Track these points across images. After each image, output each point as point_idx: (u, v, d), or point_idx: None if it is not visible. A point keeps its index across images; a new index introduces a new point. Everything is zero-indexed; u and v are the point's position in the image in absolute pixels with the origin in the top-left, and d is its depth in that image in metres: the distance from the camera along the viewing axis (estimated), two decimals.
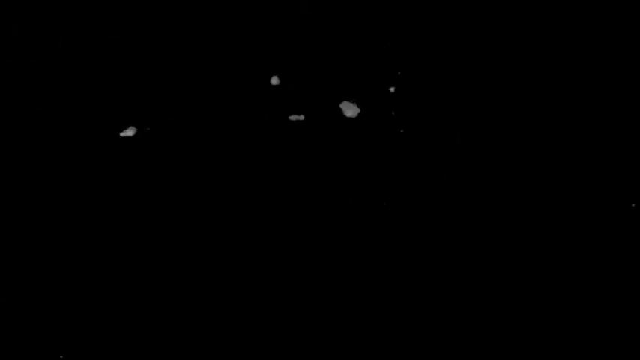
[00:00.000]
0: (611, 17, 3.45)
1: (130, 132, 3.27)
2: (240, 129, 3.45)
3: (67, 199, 3.38)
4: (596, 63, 3.46)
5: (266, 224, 3.39)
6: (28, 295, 3.31)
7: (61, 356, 3.26)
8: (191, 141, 3.43)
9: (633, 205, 3.27)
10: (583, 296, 3.32)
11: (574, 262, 3.34)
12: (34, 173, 3.39)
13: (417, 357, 3.28)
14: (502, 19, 3.47)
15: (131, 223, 3.38)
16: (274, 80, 3.45)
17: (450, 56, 3.47)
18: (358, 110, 3.43)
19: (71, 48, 3.44)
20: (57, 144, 3.40)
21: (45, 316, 3.30)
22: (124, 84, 3.45)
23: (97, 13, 3.45)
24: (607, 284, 3.32)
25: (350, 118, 3.45)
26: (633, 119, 3.41)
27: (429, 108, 3.46)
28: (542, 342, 3.29)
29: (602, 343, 3.27)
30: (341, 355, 3.29)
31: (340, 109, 3.45)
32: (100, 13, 3.46)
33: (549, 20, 3.47)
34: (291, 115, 3.45)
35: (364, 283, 3.34)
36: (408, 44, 3.48)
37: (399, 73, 3.42)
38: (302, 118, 3.44)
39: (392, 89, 3.43)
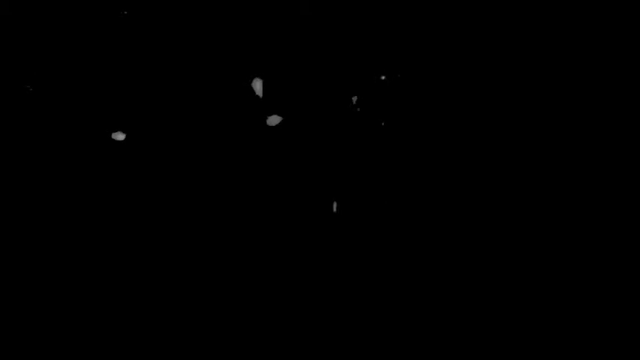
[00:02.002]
0: (607, 17, 3.45)
1: (120, 135, 3.27)
2: (237, 128, 3.45)
3: (64, 199, 3.38)
4: (592, 63, 3.46)
5: (260, 223, 3.39)
6: (28, 295, 3.31)
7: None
8: (191, 140, 3.44)
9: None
10: (576, 295, 3.33)
11: (569, 261, 3.35)
12: (31, 173, 3.39)
13: (414, 357, 3.29)
14: (499, 20, 3.47)
15: (128, 223, 3.38)
16: (273, 81, 3.46)
17: (449, 56, 3.48)
18: (353, 110, 3.43)
19: (69, 48, 3.44)
20: (52, 145, 3.40)
21: (45, 316, 3.30)
22: (121, 84, 3.46)
23: (96, 13, 3.45)
24: (604, 283, 3.33)
25: (348, 118, 3.45)
26: (632, 119, 3.42)
27: (428, 108, 3.47)
28: (538, 341, 3.30)
29: (602, 343, 3.29)
30: (339, 355, 3.30)
31: (339, 108, 3.46)
32: (99, 13, 3.46)
33: (545, 21, 3.48)
34: (290, 113, 3.46)
35: (360, 282, 3.35)
36: (407, 45, 3.49)
37: (398, 75, 3.43)
38: (302, 116, 3.45)
39: (388, 88, 3.44)
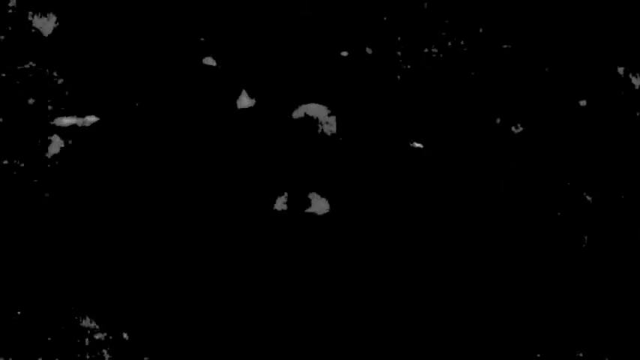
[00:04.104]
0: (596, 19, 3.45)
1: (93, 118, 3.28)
2: (235, 128, 3.46)
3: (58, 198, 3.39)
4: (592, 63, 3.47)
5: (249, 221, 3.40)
6: (27, 295, 3.32)
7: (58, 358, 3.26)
8: (187, 138, 3.44)
9: None
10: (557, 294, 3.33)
11: (568, 261, 3.35)
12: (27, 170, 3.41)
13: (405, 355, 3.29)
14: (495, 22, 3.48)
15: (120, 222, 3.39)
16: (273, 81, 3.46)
17: (451, 56, 3.48)
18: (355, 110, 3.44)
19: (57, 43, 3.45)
20: (49, 143, 3.41)
21: (44, 316, 3.31)
22: (118, 83, 3.47)
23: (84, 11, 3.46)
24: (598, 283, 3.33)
25: (349, 118, 3.46)
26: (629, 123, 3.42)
27: (428, 109, 3.47)
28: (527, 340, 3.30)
29: (601, 343, 3.28)
30: (334, 355, 3.30)
31: (339, 109, 3.46)
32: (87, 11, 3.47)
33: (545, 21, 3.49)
34: (290, 113, 3.46)
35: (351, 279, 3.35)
36: (407, 45, 3.49)
37: (398, 77, 3.44)
38: (302, 115, 3.45)
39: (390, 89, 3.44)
